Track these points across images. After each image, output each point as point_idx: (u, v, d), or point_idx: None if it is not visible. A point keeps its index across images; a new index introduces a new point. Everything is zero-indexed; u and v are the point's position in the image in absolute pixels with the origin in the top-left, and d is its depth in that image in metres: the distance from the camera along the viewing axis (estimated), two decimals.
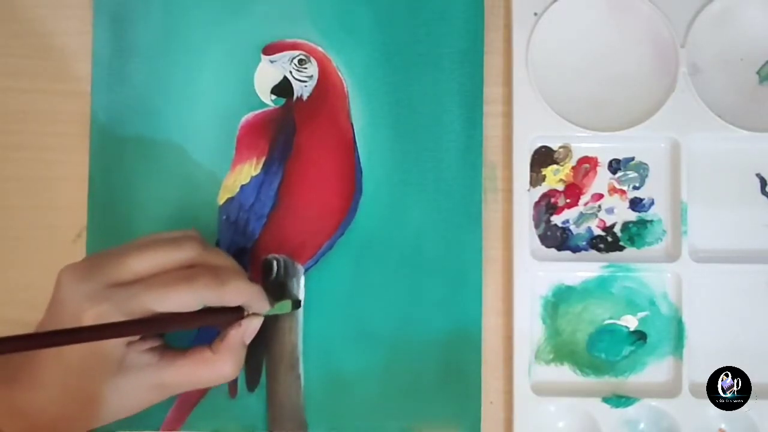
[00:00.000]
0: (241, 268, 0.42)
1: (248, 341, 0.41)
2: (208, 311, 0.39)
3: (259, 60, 0.48)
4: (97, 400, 0.38)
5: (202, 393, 0.45)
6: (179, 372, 0.40)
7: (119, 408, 0.39)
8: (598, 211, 0.48)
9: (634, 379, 0.46)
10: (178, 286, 0.38)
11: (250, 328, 0.41)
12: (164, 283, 0.38)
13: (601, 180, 0.48)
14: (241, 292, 0.40)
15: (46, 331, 0.37)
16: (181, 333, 0.43)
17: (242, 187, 0.47)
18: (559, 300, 0.47)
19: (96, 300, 0.37)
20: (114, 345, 0.38)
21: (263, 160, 0.47)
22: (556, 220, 0.48)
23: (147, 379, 0.39)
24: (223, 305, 0.40)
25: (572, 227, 0.48)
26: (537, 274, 0.47)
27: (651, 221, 0.47)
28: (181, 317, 0.39)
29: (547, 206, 0.48)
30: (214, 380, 0.41)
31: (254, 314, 0.41)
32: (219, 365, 0.40)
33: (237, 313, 0.41)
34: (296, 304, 0.45)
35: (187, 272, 0.39)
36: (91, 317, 0.37)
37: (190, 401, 0.45)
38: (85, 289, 0.37)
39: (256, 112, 0.47)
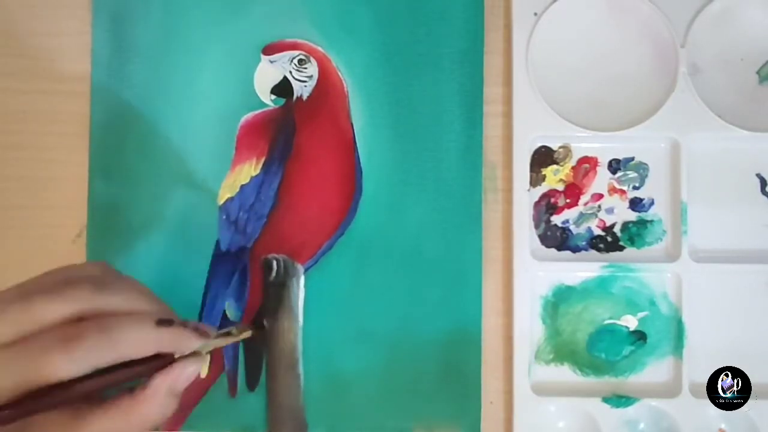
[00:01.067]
0: (148, 302, 0.35)
1: (181, 388, 0.34)
2: (113, 368, 0.33)
3: (259, 60, 0.48)
4: None
5: (201, 393, 0.45)
6: (96, 428, 0.33)
7: None
8: (598, 211, 0.48)
9: (634, 379, 0.46)
10: (50, 356, 0.31)
11: (182, 373, 0.34)
12: (34, 350, 0.31)
13: (601, 180, 0.48)
14: (144, 343, 0.33)
15: None
16: None
17: (242, 187, 0.47)
18: (559, 300, 0.47)
19: None
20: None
21: (263, 160, 0.47)
22: (556, 220, 0.48)
23: None
24: (122, 362, 0.33)
25: (572, 227, 0.48)
26: (537, 274, 0.47)
27: (651, 221, 0.47)
28: (78, 384, 0.32)
29: (547, 206, 0.48)
30: (137, 429, 0.34)
31: (190, 358, 0.34)
32: (137, 411, 0.33)
33: (160, 360, 0.34)
34: (258, 327, 0.41)
35: (67, 333, 0.32)
36: None
37: (189, 402, 0.45)
38: None
39: (256, 112, 0.47)
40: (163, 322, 0.34)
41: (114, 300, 0.34)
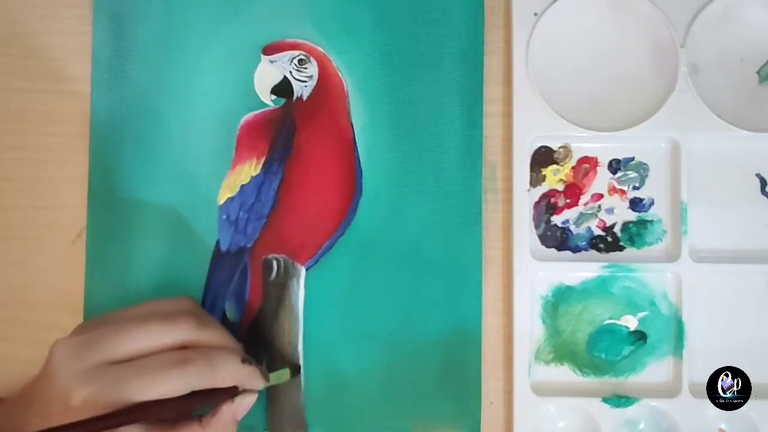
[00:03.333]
0: (235, 343, 0.42)
1: (240, 418, 0.41)
2: (200, 393, 0.38)
3: (259, 60, 0.48)
4: None
5: None
6: None
7: None
8: (598, 211, 0.48)
9: (634, 379, 0.46)
10: (168, 373, 0.37)
11: (242, 405, 0.40)
12: (155, 368, 0.37)
13: (601, 180, 0.48)
14: (233, 376, 0.39)
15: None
16: None
17: (242, 187, 0.47)
18: (559, 300, 0.47)
19: (85, 380, 0.36)
20: None
21: (263, 160, 0.47)
22: (556, 220, 0.48)
23: None
24: (213, 388, 0.39)
25: (572, 227, 0.48)
26: (537, 274, 0.47)
27: (651, 221, 0.47)
28: (173, 403, 0.37)
29: (547, 206, 0.48)
30: None
31: (248, 391, 0.40)
32: None
33: (230, 392, 0.40)
34: (295, 370, 0.45)
35: (179, 357, 0.38)
36: (79, 399, 0.36)
37: None
38: (76, 368, 0.37)
39: (256, 112, 0.47)
40: (246, 360, 0.40)
41: (210, 335, 0.40)
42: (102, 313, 0.42)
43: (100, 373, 0.37)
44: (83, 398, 0.36)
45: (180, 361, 0.38)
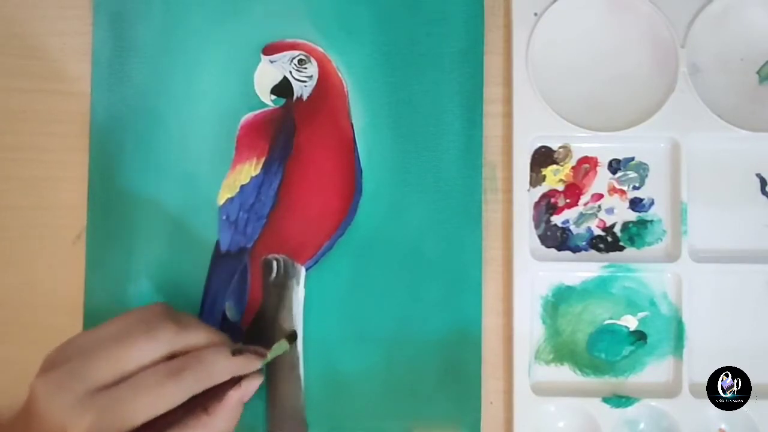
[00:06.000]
0: (220, 335, 0.41)
1: (247, 400, 0.41)
2: (204, 395, 0.38)
3: (259, 60, 0.48)
4: None
5: None
6: None
7: None
8: (598, 211, 0.48)
9: (634, 379, 0.46)
10: (164, 387, 0.36)
11: (249, 388, 0.40)
12: (150, 385, 0.36)
13: (601, 180, 0.48)
14: (228, 370, 0.39)
15: None
16: None
17: (242, 187, 0.47)
18: (559, 300, 0.47)
19: (81, 411, 0.35)
20: None
21: (263, 160, 0.47)
22: (556, 220, 0.48)
23: None
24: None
25: (572, 227, 0.48)
26: (537, 274, 0.47)
27: (651, 221, 0.47)
28: (177, 411, 0.37)
29: (547, 206, 0.48)
30: None
31: (253, 374, 0.41)
32: (214, 424, 0.39)
33: (233, 381, 0.40)
34: (292, 337, 0.45)
35: (171, 368, 0.37)
36: (79, 431, 0.35)
37: None
38: (66, 401, 0.35)
39: (256, 112, 0.47)
40: (236, 352, 0.40)
41: (194, 336, 0.40)
42: (66, 340, 0.39)
43: (94, 400, 0.35)
44: (85, 430, 0.35)
45: (172, 373, 0.37)
